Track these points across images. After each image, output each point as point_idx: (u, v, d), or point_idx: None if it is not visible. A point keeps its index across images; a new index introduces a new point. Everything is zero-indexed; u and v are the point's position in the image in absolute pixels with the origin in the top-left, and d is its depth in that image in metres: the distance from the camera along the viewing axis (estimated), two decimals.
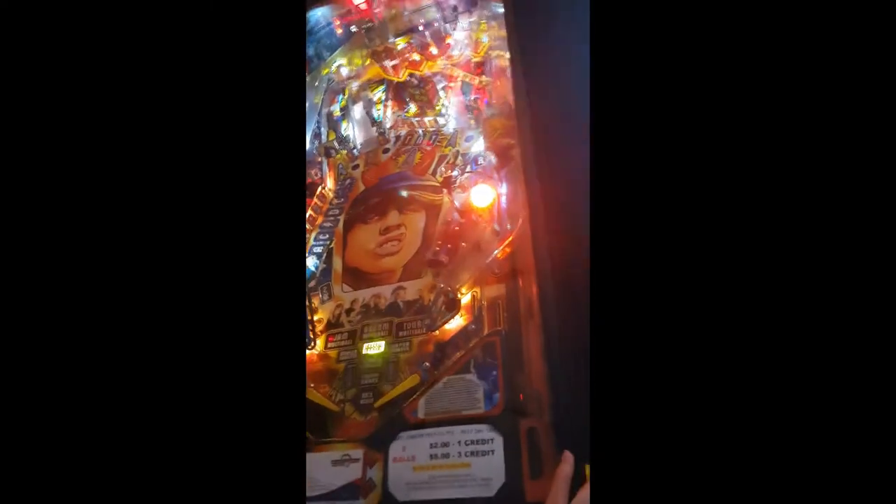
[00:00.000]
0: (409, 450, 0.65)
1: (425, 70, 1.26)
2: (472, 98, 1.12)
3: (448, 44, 1.27)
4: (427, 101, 1.19)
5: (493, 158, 0.90)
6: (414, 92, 1.21)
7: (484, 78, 1.16)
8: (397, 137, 1.19)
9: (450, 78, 1.22)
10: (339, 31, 1.35)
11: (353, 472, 0.66)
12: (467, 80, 1.19)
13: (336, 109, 1.28)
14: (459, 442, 0.63)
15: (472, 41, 1.25)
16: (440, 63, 1.26)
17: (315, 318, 0.94)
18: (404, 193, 1.06)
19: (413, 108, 1.20)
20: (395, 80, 1.28)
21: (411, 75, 1.28)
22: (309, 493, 0.67)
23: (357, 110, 1.26)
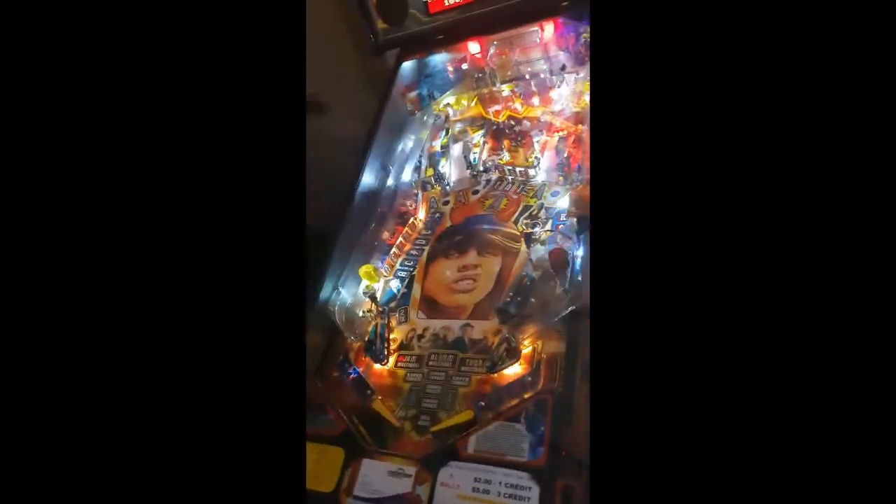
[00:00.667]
0: (455, 478, 0.73)
1: (524, 115, 1.34)
2: (565, 157, 1.18)
3: (550, 97, 1.34)
4: (520, 150, 1.27)
5: (574, 222, 0.96)
6: (508, 140, 1.29)
7: (581, 127, 1.22)
8: (488, 181, 1.27)
9: (547, 130, 1.28)
10: (452, 73, 1.47)
11: (404, 486, 0.75)
12: (563, 133, 1.25)
13: (438, 146, 1.40)
14: (501, 483, 0.70)
15: (574, 96, 1.31)
16: (539, 112, 1.33)
17: (391, 336, 1.05)
18: (486, 236, 1.14)
19: (507, 155, 1.28)
20: (495, 120, 1.37)
21: (510, 117, 1.36)
22: (364, 495, 0.77)
23: (456, 149, 1.36)
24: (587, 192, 0.98)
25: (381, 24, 1.39)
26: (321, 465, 0.83)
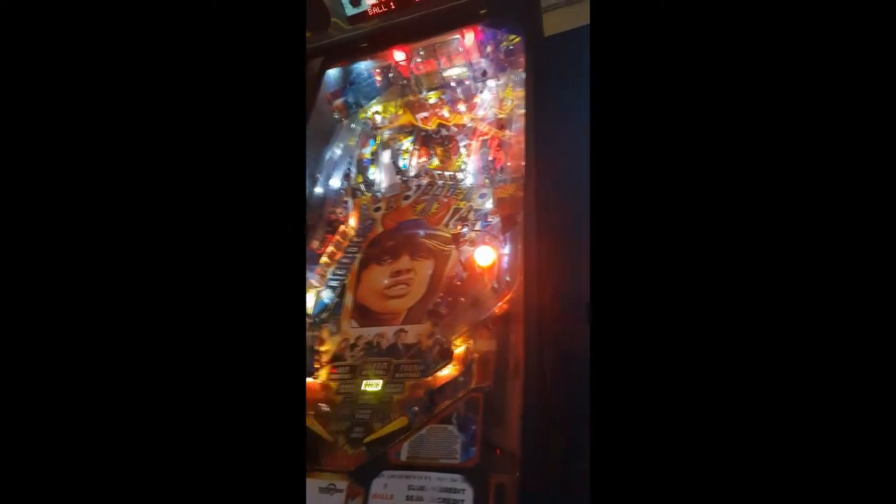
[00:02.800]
0: (389, 488, 0.70)
1: (452, 123, 1.34)
2: (490, 159, 1.19)
3: (475, 103, 1.35)
4: (449, 155, 1.26)
5: (497, 221, 0.96)
6: (438, 146, 1.28)
7: (506, 132, 1.23)
8: (418, 186, 1.25)
9: (472, 135, 1.29)
10: (379, 80, 1.45)
11: (335, 501, 0.71)
12: (487, 137, 1.26)
13: (367, 153, 1.37)
14: (434, 488, 0.67)
15: (497, 101, 1.32)
16: (466, 119, 1.34)
17: (322, 348, 1.00)
18: (418, 240, 1.12)
19: (436, 160, 1.27)
20: (425, 128, 1.36)
21: (440, 125, 1.36)
22: None
23: (385, 156, 1.34)
24: (510, 191, 0.98)
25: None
26: None
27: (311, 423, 0.87)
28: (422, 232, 1.13)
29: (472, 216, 1.11)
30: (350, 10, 1.31)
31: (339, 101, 1.39)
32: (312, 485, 0.74)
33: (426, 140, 1.34)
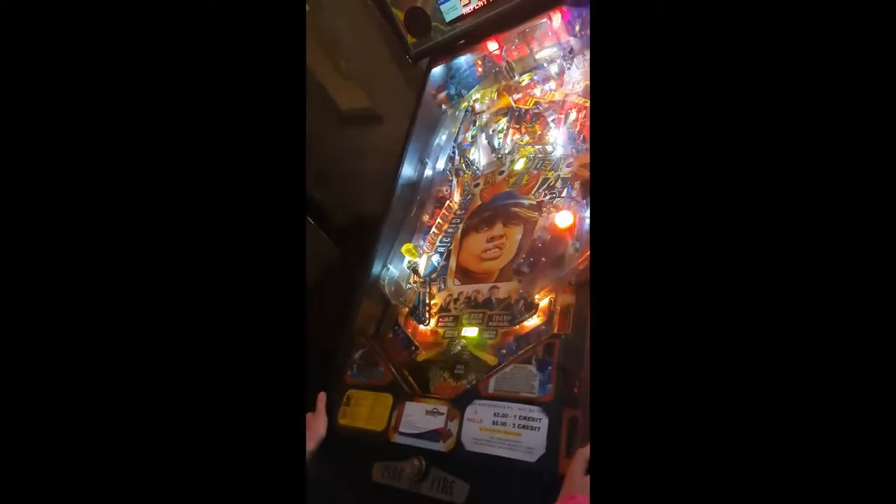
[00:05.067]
0: (479, 414, 0.75)
1: (546, 100, 1.30)
2: (577, 130, 1.14)
3: (564, 79, 1.29)
4: (538, 131, 1.23)
5: (577, 186, 0.93)
6: (527, 125, 1.26)
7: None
8: (512, 162, 1.25)
9: (561, 109, 1.24)
10: (477, 72, 1.46)
11: (438, 422, 0.78)
12: (575, 109, 1.20)
13: (469, 136, 1.40)
14: (516, 416, 0.71)
15: (583, 74, 1.25)
16: (557, 95, 1.29)
17: (432, 301, 1.08)
18: (510, 209, 1.13)
19: (527, 137, 1.25)
20: (523, 107, 1.34)
21: (537, 104, 1.33)
22: (408, 431, 0.81)
23: (483, 138, 1.36)
24: (588, 160, 0.94)
25: (410, 40, 1.42)
26: (375, 408, 0.88)
27: (421, 356, 0.96)
28: (513, 201, 1.13)
29: (559, 184, 1.08)
30: (449, 16, 1.34)
31: (442, 95, 1.44)
32: (421, 408, 0.82)
33: (518, 119, 1.32)
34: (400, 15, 1.39)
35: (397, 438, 0.82)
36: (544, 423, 0.68)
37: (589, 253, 0.84)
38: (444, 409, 0.79)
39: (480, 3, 1.29)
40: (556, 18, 1.26)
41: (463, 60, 1.44)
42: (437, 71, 1.44)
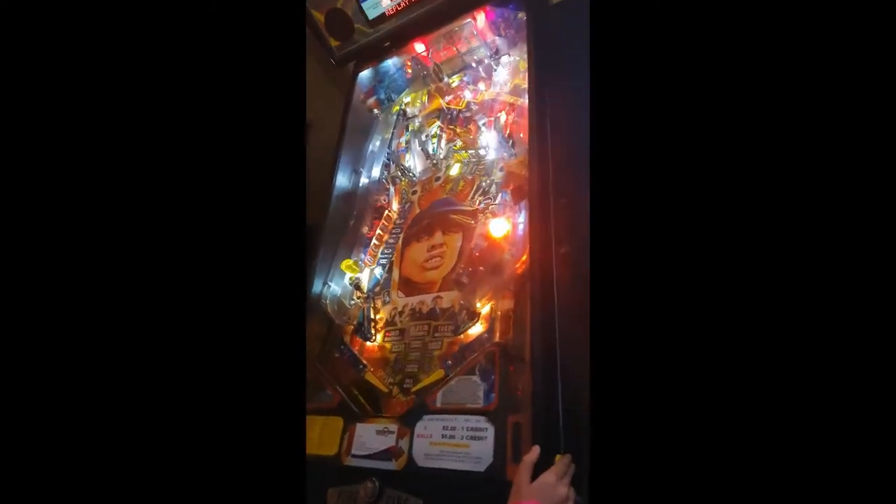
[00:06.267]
0: (428, 429, 0.77)
1: (477, 101, 1.32)
2: (506, 134, 1.17)
3: (491, 80, 1.31)
4: (470, 134, 1.25)
5: (508, 195, 0.96)
6: (460, 128, 1.28)
7: (519, 100, 1.19)
8: (447, 167, 1.27)
9: (490, 111, 1.27)
10: (409, 73, 1.45)
11: (389, 441, 0.79)
12: (503, 113, 1.23)
13: (403, 141, 1.40)
14: (463, 427, 0.73)
15: (511, 76, 1.28)
16: (486, 97, 1.31)
17: (377, 316, 1.08)
18: (448, 216, 1.15)
19: (459, 141, 1.27)
20: (455, 108, 1.35)
21: (469, 105, 1.34)
22: (360, 453, 0.81)
23: (416, 144, 1.36)
24: (518, 165, 0.97)
25: (333, 42, 1.38)
26: (325, 433, 0.88)
27: (371, 377, 0.97)
28: (450, 209, 1.15)
29: (493, 189, 1.11)
30: (371, 14, 1.31)
31: (372, 99, 1.42)
32: (372, 428, 0.83)
33: (451, 122, 1.33)
34: (320, 17, 1.35)
35: (350, 461, 0.82)
36: (490, 432, 0.71)
37: (525, 258, 0.88)
38: (394, 427, 0.81)
39: (403, 3, 1.28)
40: (481, 18, 1.28)
41: (391, 63, 1.42)
42: (365, 74, 1.42)
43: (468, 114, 1.31)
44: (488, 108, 1.27)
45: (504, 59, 1.30)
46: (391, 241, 1.22)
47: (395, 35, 1.34)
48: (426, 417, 0.78)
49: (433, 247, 1.11)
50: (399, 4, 1.28)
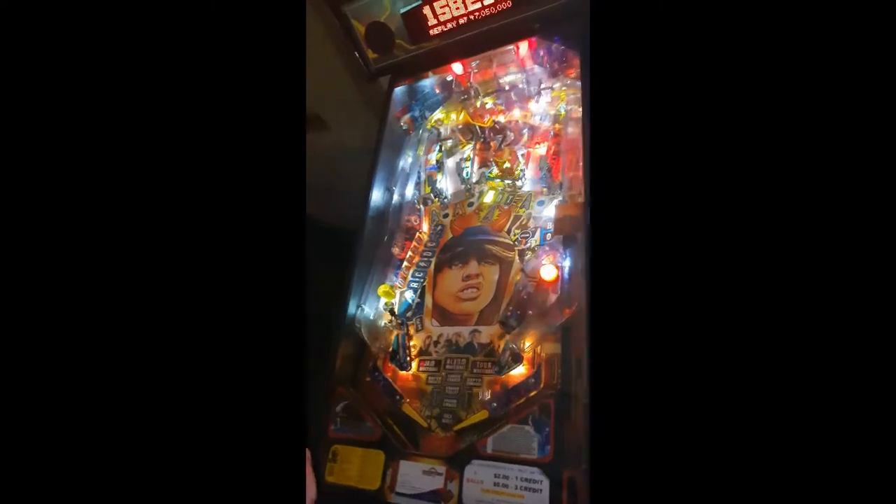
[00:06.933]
0: (479, 475, 0.79)
1: (508, 121, 1.33)
2: (547, 168, 1.18)
3: (530, 108, 1.32)
4: (509, 167, 1.26)
5: (559, 241, 0.98)
6: (494, 157, 1.28)
7: (558, 127, 1.21)
8: (481, 193, 1.27)
9: (528, 143, 1.28)
10: (440, 94, 1.44)
11: (437, 482, 0.81)
12: (545, 145, 1.24)
13: (433, 159, 1.39)
14: (517, 477, 0.76)
15: (551, 107, 1.29)
16: (519, 120, 1.32)
17: (410, 343, 1.09)
18: (483, 246, 1.15)
19: (496, 170, 1.28)
20: (482, 126, 1.36)
21: (495, 122, 1.35)
22: (405, 492, 0.83)
23: (450, 163, 1.35)
24: (569, 210, 0.99)
25: (371, 54, 1.36)
26: (366, 466, 0.88)
27: (408, 409, 0.98)
28: (486, 238, 1.16)
29: (531, 224, 1.13)
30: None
31: (406, 117, 1.41)
32: (417, 467, 0.84)
33: (485, 146, 1.34)
34: (361, 28, 1.32)
35: (394, 499, 0.83)
36: (546, 484, 0.73)
37: (574, 305, 0.90)
38: (441, 468, 0.82)
39: (451, 25, 1.27)
40: (524, 46, 1.28)
41: (427, 82, 1.41)
42: (400, 91, 1.40)
43: (501, 137, 1.31)
44: (526, 136, 1.28)
45: (545, 89, 1.31)
46: (422, 264, 1.22)
47: (437, 54, 1.32)
48: (475, 462, 0.80)
49: (468, 276, 1.12)
50: (445, 24, 1.27)
